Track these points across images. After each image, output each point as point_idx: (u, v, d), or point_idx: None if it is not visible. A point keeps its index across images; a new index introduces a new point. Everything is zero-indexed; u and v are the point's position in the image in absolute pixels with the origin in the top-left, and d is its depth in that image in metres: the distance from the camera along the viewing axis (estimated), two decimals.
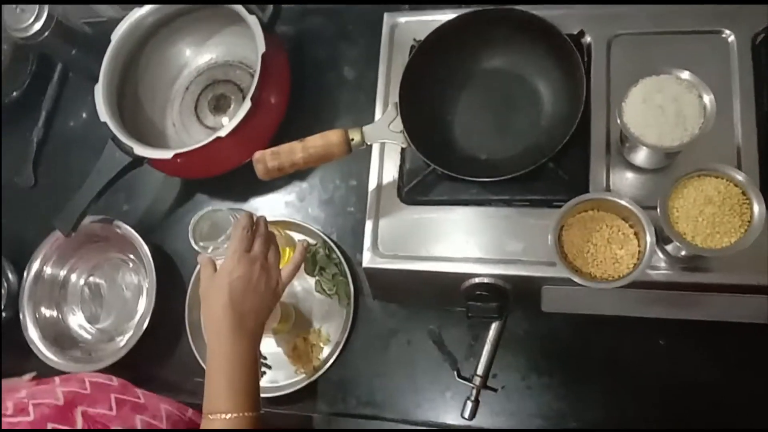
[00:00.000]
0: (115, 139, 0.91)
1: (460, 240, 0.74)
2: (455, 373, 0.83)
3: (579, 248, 0.67)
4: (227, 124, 0.86)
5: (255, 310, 0.68)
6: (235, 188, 0.99)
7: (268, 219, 0.89)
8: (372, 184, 0.78)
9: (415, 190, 0.75)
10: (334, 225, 0.93)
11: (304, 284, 0.92)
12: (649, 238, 0.63)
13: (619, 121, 0.65)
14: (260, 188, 0.98)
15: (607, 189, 0.71)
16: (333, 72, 1.00)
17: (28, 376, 0.88)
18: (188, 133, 1.02)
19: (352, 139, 0.70)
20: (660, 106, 0.64)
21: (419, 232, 0.75)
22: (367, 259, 0.76)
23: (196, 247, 0.76)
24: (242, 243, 0.69)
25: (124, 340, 0.93)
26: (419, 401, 0.84)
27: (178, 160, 0.88)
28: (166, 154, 0.87)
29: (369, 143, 0.71)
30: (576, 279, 0.65)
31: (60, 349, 0.93)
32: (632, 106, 0.65)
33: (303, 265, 0.92)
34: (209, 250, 0.78)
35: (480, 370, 0.81)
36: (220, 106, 1.02)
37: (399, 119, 0.71)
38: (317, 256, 0.91)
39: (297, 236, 0.94)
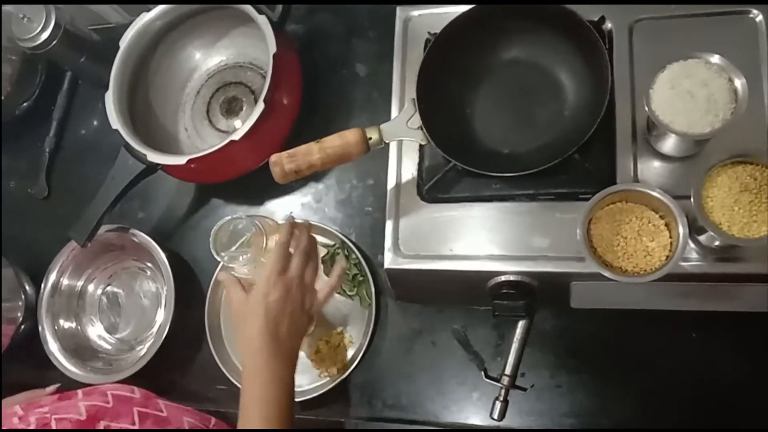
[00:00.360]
0: (127, 146, 0.90)
1: (483, 237, 0.72)
2: (482, 373, 0.81)
3: (608, 242, 0.65)
4: (240, 127, 0.84)
5: (291, 333, 0.66)
6: (250, 191, 0.98)
7: (283, 220, 0.88)
8: (391, 183, 0.77)
9: (435, 187, 0.74)
10: (351, 225, 0.92)
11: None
12: (682, 229, 0.61)
13: (646, 108, 0.62)
14: (276, 190, 0.97)
15: (635, 179, 0.69)
16: (345, 70, 0.99)
17: (51, 388, 0.87)
18: (201, 137, 1.01)
19: (370, 138, 0.68)
20: (689, 92, 0.61)
21: (441, 230, 0.73)
22: (389, 260, 0.74)
23: (218, 258, 0.75)
24: (279, 263, 0.67)
25: (144, 349, 0.92)
26: (446, 403, 0.82)
27: (192, 166, 0.87)
28: (180, 160, 0.86)
29: (387, 141, 0.69)
30: (607, 274, 0.63)
31: (80, 361, 0.93)
32: (660, 93, 0.62)
33: (322, 267, 0.90)
34: (226, 258, 0.77)
35: (508, 370, 0.79)
36: (232, 108, 1.01)
37: (417, 116, 0.69)
38: (336, 257, 0.89)
39: (316, 237, 0.92)
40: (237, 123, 1.00)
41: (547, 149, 0.70)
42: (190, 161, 0.85)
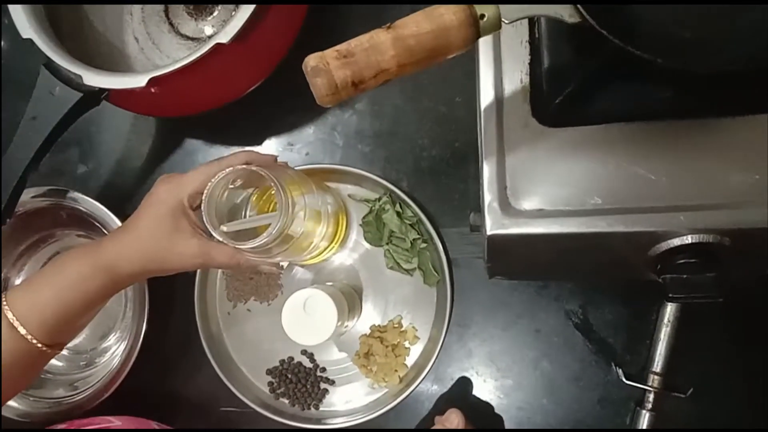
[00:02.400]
0: (50, 65, 0.58)
1: (648, 178, 0.45)
2: (618, 371, 0.56)
3: None
4: (228, 24, 0.54)
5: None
6: (238, 126, 0.68)
7: (299, 166, 0.60)
8: (485, 97, 0.48)
9: (568, 103, 0.46)
10: (401, 169, 0.63)
11: (367, 259, 0.63)
12: None
13: None
14: (278, 123, 0.67)
15: None
16: None
17: None
18: (160, 49, 0.69)
19: (482, 17, 0.39)
20: None
21: (578, 170, 0.46)
22: (493, 223, 0.46)
23: (214, 234, 0.46)
24: None
25: (114, 362, 0.64)
26: (562, 416, 0.58)
27: (154, 90, 0.57)
28: (137, 81, 0.55)
29: (507, 21, 0.40)
30: None
31: (24, 393, 0.64)
32: None
33: (364, 234, 0.63)
34: (226, 231, 0.49)
35: (657, 366, 0.55)
36: (201, 7, 0.69)
37: None
38: (383, 215, 0.61)
39: (349, 189, 0.64)
40: (207, 28, 0.69)
41: (753, 30, 0.43)
42: (152, 82, 0.54)
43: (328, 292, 0.54)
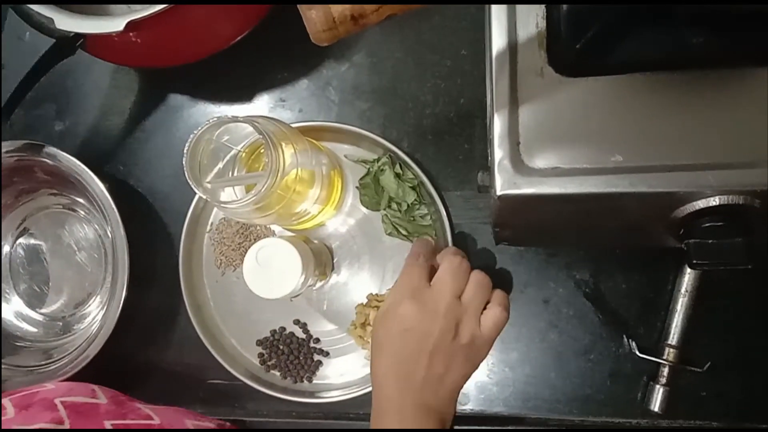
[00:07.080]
0: (18, 8, 0.53)
1: (676, 133, 0.41)
2: (631, 343, 0.53)
3: None
4: None
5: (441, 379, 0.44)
6: (226, 81, 0.63)
7: (292, 123, 0.56)
8: (497, 46, 0.44)
9: (589, 49, 0.41)
10: (401, 128, 0.59)
11: (364, 224, 0.59)
12: None
13: None
14: (269, 77, 0.62)
15: None
16: None
17: None
18: None
19: None
20: None
21: (599, 124, 0.42)
22: (504, 182, 0.42)
23: (197, 190, 0.42)
24: (456, 280, 0.46)
25: (94, 327, 0.61)
26: (571, 391, 0.54)
27: (134, 36, 0.52)
28: (114, 25, 0.50)
29: None
30: None
31: None
32: None
33: (360, 197, 0.59)
34: (211, 189, 0.45)
35: (672, 338, 0.52)
36: None
37: None
38: (381, 177, 0.57)
39: (345, 149, 0.59)
40: None
41: None
42: (131, 26, 0.50)
43: (292, 242, 0.50)
